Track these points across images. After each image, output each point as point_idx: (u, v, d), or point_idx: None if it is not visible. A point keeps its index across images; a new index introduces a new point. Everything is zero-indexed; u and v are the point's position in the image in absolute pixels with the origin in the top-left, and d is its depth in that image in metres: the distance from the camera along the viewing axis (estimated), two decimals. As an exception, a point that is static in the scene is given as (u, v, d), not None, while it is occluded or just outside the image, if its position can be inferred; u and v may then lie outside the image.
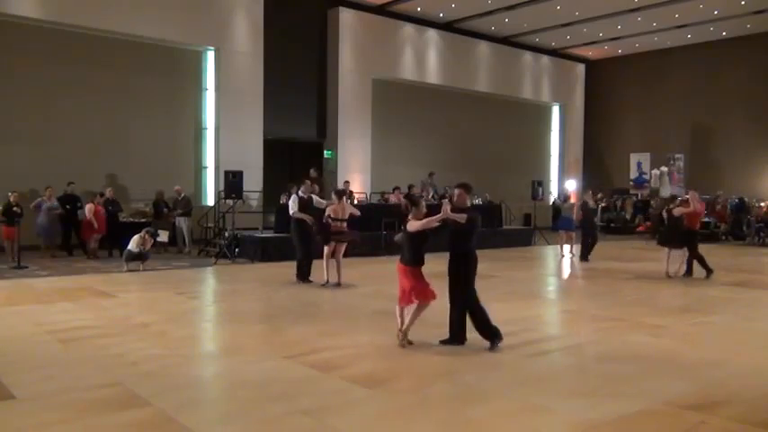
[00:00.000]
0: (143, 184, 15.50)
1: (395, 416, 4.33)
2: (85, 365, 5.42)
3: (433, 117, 22.32)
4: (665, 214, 12.00)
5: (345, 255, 10.19)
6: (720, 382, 5.15)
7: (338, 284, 9.75)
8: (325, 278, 9.81)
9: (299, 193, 10.27)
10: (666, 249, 11.53)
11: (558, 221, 15.56)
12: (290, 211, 10.22)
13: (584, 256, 14.28)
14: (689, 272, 11.47)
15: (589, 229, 14.47)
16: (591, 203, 14.91)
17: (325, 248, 9.78)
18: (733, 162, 23.75)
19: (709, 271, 11.30)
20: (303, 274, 10.20)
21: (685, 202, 11.85)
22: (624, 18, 21.93)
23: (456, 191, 6.20)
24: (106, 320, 7.28)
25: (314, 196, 10.54)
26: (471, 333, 6.14)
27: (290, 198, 10.55)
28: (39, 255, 13.02)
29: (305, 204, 10.21)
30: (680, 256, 11.48)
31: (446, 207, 5.82)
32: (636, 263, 13.87)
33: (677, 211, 11.32)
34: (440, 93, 22.61)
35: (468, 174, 22.14)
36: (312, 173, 14.69)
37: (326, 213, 9.76)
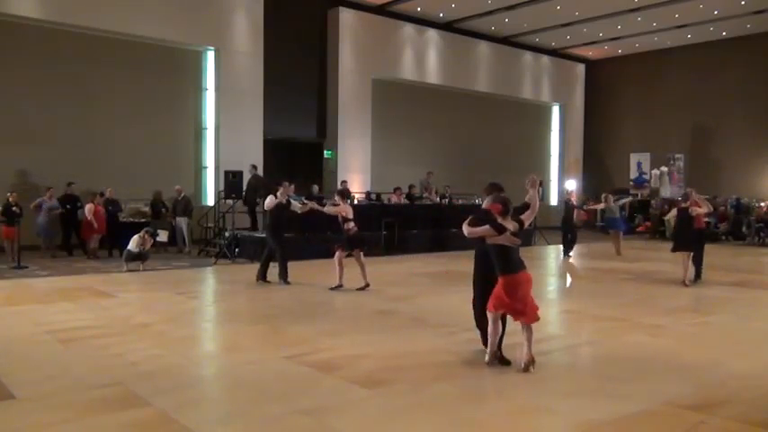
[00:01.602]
0: (143, 184, 15.49)
1: (395, 416, 4.33)
2: (85, 365, 5.41)
3: (433, 117, 22.32)
4: (672, 218, 10.97)
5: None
6: (720, 382, 5.15)
7: (367, 285, 9.56)
8: (340, 281, 9.60)
9: (278, 195, 10.13)
10: (684, 255, 10.53)
11: (607, 221, 16.12)
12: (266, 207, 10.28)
13: (566, 252, 14.81)
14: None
15: (569, 227, 15.04)
16: (579, 203, 15.51)
17: (339, 252, 9.58)
18: (733, 162, 23.74)
19: (699, 275, 10.88)
20: (285, 274, 10.08)
21: (693, 203, 11.18)
22: (624, 18, 21.93)
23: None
24: (106, 320, 7.28)
25: (291, 200, 10.48)
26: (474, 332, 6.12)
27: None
28: (39, 255, 13.02)
29: (282, 208, 10.16)
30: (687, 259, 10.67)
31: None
32: (636, 263, 13.86)
33: (697, 212, 10.50)
34: (440, 93, 22.61)
35: (467, 174, 22.22)
36: (250, 169, 14.89)
37: (345, 216, 9.55)
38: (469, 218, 5.53)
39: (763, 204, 20.51)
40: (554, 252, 16.33)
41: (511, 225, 5.29)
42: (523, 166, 24.55)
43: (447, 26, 22.76)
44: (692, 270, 10.66)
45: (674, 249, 10.77)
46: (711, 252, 16.63)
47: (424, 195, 17.59)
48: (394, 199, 16.75)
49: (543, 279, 12.04)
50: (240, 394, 4.77)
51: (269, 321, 7.71)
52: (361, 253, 9.67)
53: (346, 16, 19.93)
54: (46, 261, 12.66)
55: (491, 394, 4.76)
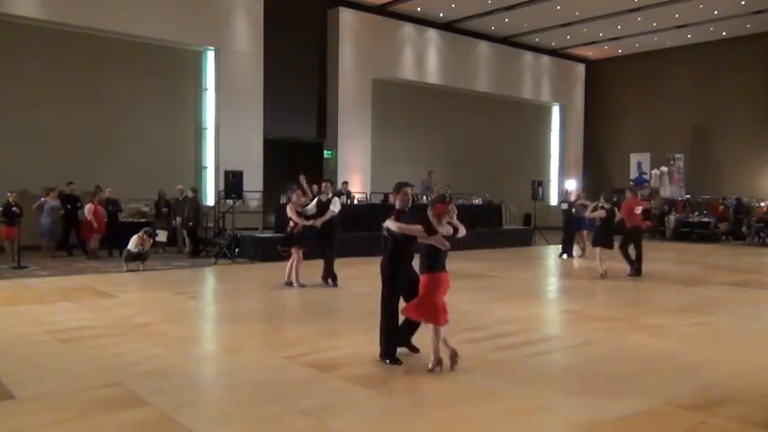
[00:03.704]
0: (143, 184, 15.49)
1: (395, 416, 4.33)
2: (85, 365, 5.41)
3: (433, 117, 22.34)
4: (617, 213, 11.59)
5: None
6: (720, 382, 5.15)
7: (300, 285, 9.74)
8: (288, 279, 9.77)
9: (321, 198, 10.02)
10: (603, 250, 11.36)
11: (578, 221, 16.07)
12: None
13: (569, 252, 14.94)
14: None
15: (570, 227, 15.18)
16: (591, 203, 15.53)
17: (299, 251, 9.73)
18: (733, 162, 23.76)
19: (634, 270, 11.36)
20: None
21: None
22: (624, 18, 21.95)
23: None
24: (106, 320, 7.28)
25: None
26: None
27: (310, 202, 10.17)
28: (39, 255, 13.02)
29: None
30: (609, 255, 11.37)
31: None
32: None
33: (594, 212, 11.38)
34: (440, 93, 22.62)
35: (468, 174, 22.25)
36: (190, 192, 15.20)
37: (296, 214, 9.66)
38: (394, 215, 5.47)
39: (763, 204, 20.52)
40: (554, 252, 16.32)
41: (444, 228, 5.23)
42: (523, 166, 24.64)
43: (447, 26, 22.77)
44: (606, 264, 11.23)
45: (595, 244, 11.54)
46: (711, 252, 16.72)
47: (426, 196, 17.53)
48: (392, 199, 16.71)
49: (543, 279, 12.05)
50: (240, 394, 4.76)
51: (269, 321, 7.73)
52: (300, 252, 9.72)
53: (346, 16, 19.94)
54: (46, 261, 12.66)
55: (491, 394, 4.76)
